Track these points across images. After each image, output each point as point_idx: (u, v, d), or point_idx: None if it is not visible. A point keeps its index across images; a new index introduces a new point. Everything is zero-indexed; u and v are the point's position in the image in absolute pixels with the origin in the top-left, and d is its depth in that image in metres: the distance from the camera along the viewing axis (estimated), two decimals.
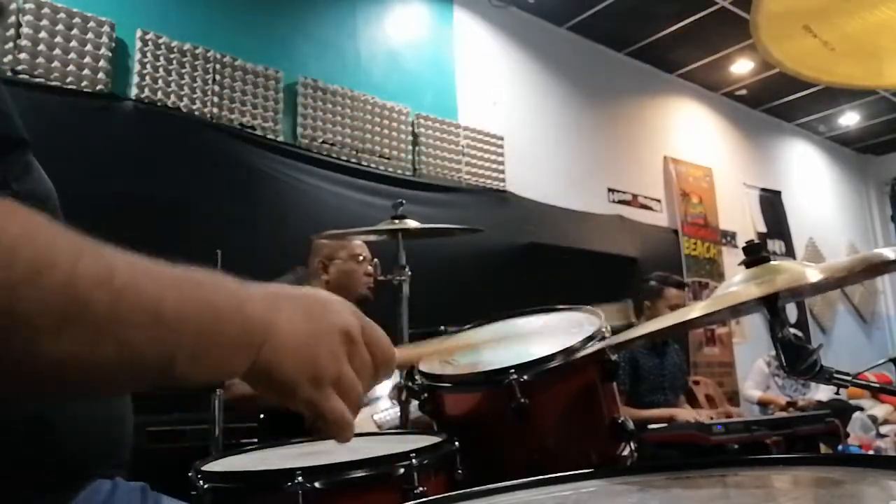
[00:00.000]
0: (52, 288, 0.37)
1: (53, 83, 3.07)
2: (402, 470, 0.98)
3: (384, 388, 2.26)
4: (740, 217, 6.90)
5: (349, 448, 0.99)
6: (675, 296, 3.41)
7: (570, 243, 4.99)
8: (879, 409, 5.39)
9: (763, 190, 7.29)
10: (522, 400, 1.17)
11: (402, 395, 1.71)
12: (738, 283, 0.90)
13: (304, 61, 4.03)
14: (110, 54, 3.24)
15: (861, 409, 5.16)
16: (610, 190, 5.76)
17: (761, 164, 7.45)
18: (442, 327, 1.89)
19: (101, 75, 3.18)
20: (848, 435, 4.43)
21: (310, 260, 2.57)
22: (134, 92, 3.31)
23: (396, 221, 1.97)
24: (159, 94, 3.37)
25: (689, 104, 6.78)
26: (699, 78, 6.68)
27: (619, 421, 1.27)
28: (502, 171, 4.82)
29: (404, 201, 2.03)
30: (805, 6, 1.14)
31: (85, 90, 3.14)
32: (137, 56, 3.35)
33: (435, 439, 1.15)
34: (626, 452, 1.28)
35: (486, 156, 4.76)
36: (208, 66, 3.56)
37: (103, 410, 0.72)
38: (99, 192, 2.91)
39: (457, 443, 1.11)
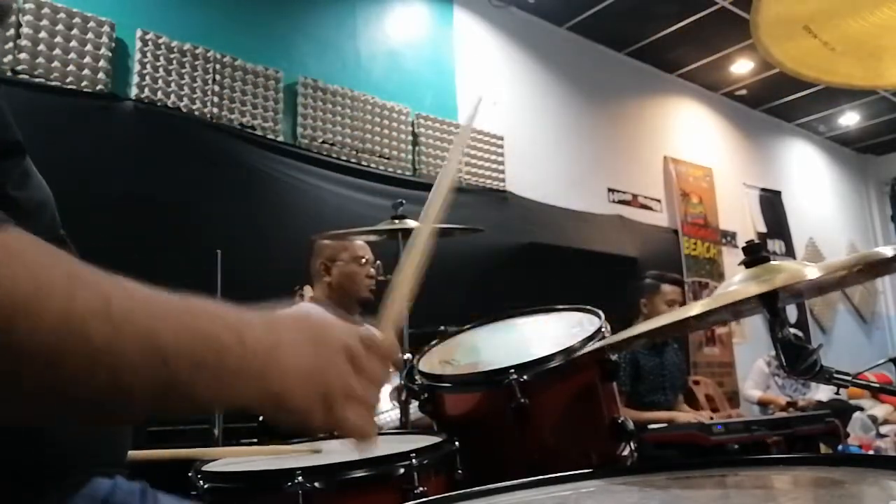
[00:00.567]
0: (49, 319, 0.38)
1: (53, 83, 3.07)
2: (402, 470, 0.98)
3: (384, 389, 2.25)
4: (740, 217, 6.90)
5: (349, 448, 0.98)
6: (671, 292, 3.41)
7: (570, 243, 4.99)
8: (879, 409, 5.38)
9: (763, 190, 7.29)
10: (522, 400, 1.17)
11: (401, 395, 1.70)
12: (737, 282, 0.90)
13: (304, 61, 4.03)
14: (110, 54, 3.24)
15: (861, 409, 5.15)
16: (610, 190, 5.76)
17: (761, 164, 7.45)
18: (442, 327, 1.89)
19: (101, 75, 3.18)
20: (848, 435, 4.43)
21: (312, 261, 2.57)
22: (134, 92, 3.31)
23: (396, 221, 1.97)
24: (159, 94, 3.37)
25: (689, 104, 6.78)
26: (699, 78, 6.68)
27: (619, 421, 1.27)
28: (502, 171, 4.82)
29: (404, 201, 2.03)
30: (805, 6, 1.13)
31: (85, 90, 3.14)
32: (137, 56, 3.35)
33: (435, 439, 1.15)
34: (626, 452, 1.28)
35: (486, 156, 4.76)
36: (208, 66, 3.56)
37: None
38: (99, 192, 2.91)
39: (457, 443, 1.11)
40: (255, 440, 2.33)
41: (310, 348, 0.53)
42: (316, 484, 0.92)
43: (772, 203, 7.35)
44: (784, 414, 4.21)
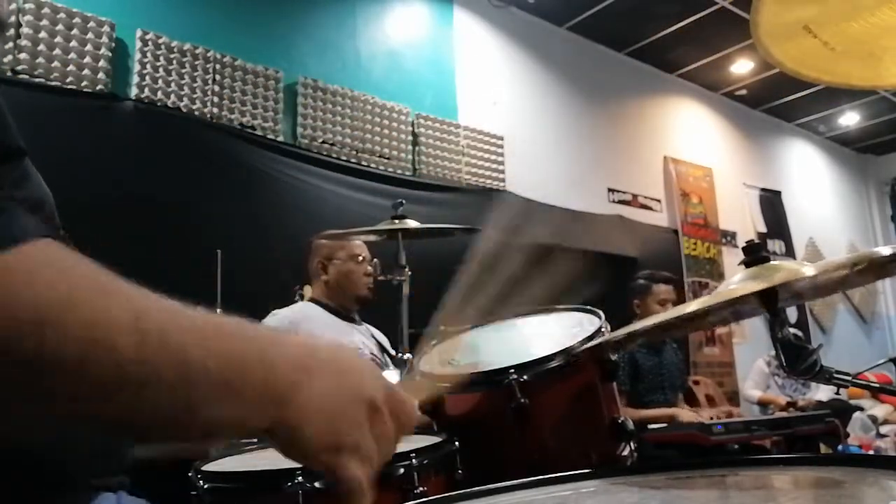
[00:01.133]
0: (78, 329, 0.38)
1: (53, 83, 3.07)
2: (402, 470, 0.98)
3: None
4: (740, 217, 6.90)
5: None
6: (663, 291, 3.41)
7: (570, 243, 4.98)
8: (879, 409, 5.38)
9: (763, 190, 7.29)
10: (522, 400, 1.16)
11: None
12: (737, 282, 0.90)
13: (304, 61, 4.03)
14: (110, 54, 3.24)
15: (861, 409, 5.15)
16: (610, 190, 5.75)
17: (761, 164, 7.45)
18: (442, 327, 1.88)
19: (101, 75, 3.18)
20: (848, 435, 4.43)
21: (309, 260, 2.57)
22: (134, 92, 3.31)
23: (396, 221, 1.97)
24: (159, 94, 3.37)
25: (689, 104, 6.78)
26: (699, 78, 6.68)
27: (619, 421, 1.27)
28: (502, 171, 4.82)
29: (404, 201, 2.03)
30: (805, 7, 1.13)
31: (85, 90, 3.14)
32: (137, 56, 3.35)
33: (435, 439, 1.15)
34: (626, 452, 1.28)
35: (486, 156, 4.76)
36: (208, 66, 3.56)
37: None
38: (99, 192, 2.91)
39: (457, 443, 1.11)
40: (255, 440, 2.33)
41: (335, 389, 0.52)
42: (316, 484, 0.92)
43: (772, 203, 7.35)
44: (784, 414, 4.21)
